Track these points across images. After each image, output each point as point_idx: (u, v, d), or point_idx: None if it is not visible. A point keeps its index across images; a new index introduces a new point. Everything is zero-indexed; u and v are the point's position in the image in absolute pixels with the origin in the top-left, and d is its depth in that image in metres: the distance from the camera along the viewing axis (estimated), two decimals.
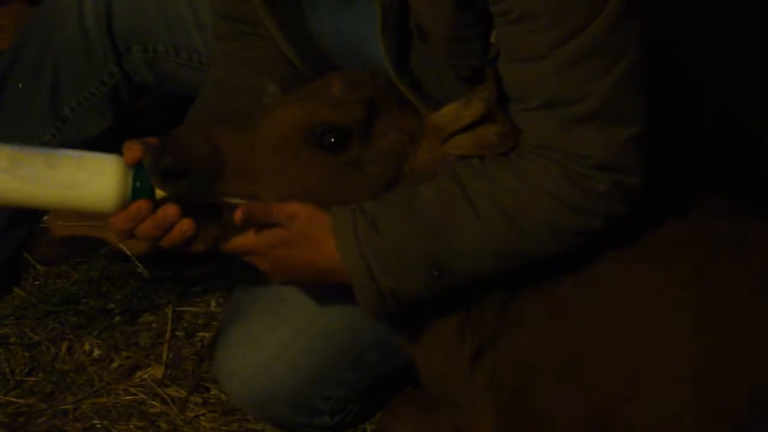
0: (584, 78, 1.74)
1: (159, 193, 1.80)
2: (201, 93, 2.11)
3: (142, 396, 2.35)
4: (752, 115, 2.26)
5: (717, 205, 1.95)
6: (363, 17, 1.90)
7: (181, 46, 2.38)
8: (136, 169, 1.80)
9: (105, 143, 1.93)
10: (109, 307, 2.51)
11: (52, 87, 2.39)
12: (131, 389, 2.37)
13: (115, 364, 2.42)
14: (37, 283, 2.57)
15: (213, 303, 2.56)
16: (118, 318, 2.50)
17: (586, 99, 1.74)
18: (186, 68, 2.39)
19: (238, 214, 1.78)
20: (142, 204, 1.79)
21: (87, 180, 1.79)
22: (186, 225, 1.80)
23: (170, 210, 1.79)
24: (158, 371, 2.41)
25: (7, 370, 2.39)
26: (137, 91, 2.44)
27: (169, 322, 2.50)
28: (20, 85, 2.40)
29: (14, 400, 2.33)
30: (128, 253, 2.56)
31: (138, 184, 1.80)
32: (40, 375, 2.39)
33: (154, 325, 2.51)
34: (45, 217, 2.58)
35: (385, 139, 1.85)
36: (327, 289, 1.96)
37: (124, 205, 1.80)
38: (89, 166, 1.80)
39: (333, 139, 1.82)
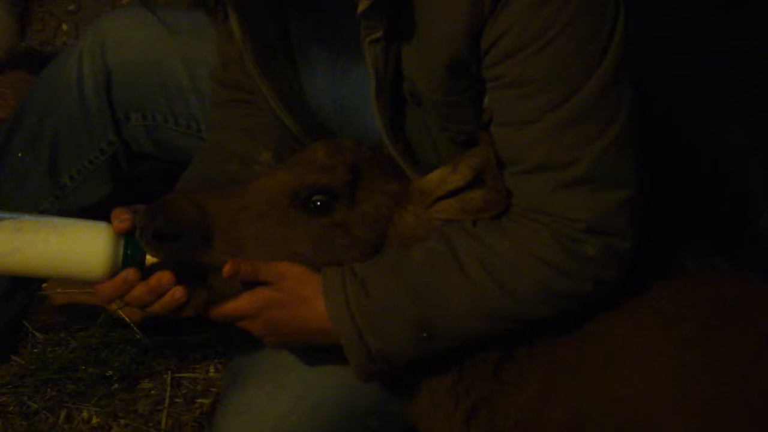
0: (575, 142, 1.75)
1: (149, 259, 1.81)
2: (195, 157, 2.13)
3: None
4: (746, 178, 2.27)
5: (717, 265, 1.95)
6: (358, 85, 1.92)
7: (180, 113, 2.39)
8: (127, 237, 1.81)
9: (104, 211, 1.93)
10: (107, 374, 2.50)
11: (52, 155, 2.41)
12: None
13: None
14: (35, 350, 2.56)
15: (212, 369, 2.55)
16: (116, 385, 2.49)
17: (577, 163, 1.75)
18: (184, 136, 2.40)
19: (226, 268, 1.80)
20: (130, 273, 1.80)
21: (78, 248, 1.80)
22: (179, 293, 1.81)
23: (165, 277, 1.80)
24: None
25: None
26: (135, 159, 2.45)
27: (168, 388, 2.49)
28: (20, 154, 2.42)
29: None
30: (127, 320, 2.55)
31: (129, 251, 1.81)
32: None
33: (152, 391, 2.50)
34: (44, 285, 2.58)
35: (370, 202, 1.88)
36: (321, 352, 1.95)
37: (115, 272, 1.81)
38: (80, 235, 1.81)
39: (319, 202, 1.85)
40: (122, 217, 1.82)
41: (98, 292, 1.83)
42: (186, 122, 2.40)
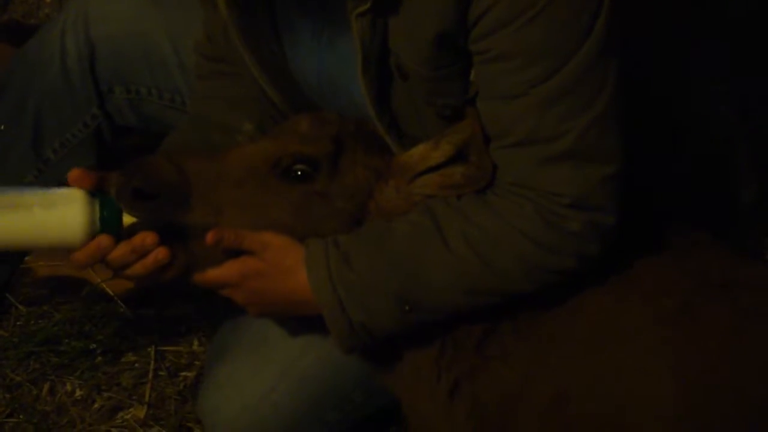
0: (560, 117, 1.75)
1: (127, 220, 1.80)
2: (178, 127, 2.13)
3: None
4: (731, 152, 2.28)
5: (701, 241, 1.95)
6: (344, 58, 1.91)
7: (164, 87, 2.39)
8: (102, 199, 1.81)
9: None
10: (91, 347, 2.50)
11: (35, 128, 2.40)
12: (113, 430, 2.36)
13: (97, 405, 2.41)
14: (19, 323, 2.56)
15: (196, 342, 2.55)
16: (100, 358, 2.49)
17: (562, 137, 1.76)
18: (168, 109, 2.40)
19: (209, 236, 1.80)
20: (103, 239, 1.80)
21: (54, 217, 1.78)
22: (162, 253, 1.80)
23: (149, 238, 1.80)
24: (141, 412, 2.40)
25: None
26: (119, 132, 2.44)
27: (152, 362, 2.49)
28: (2, 127, 2.41)
29: None
30: (110, 292, 2.55)
31: (105, 213, 1.80)
32: (21, 416, 2.37)
33: (136, 365, 2.50)
34: (27, 257, 2.58)
35: (351, 175, 1.88)
36: (304, 322, 1.96)
37: (93, 236, 1.80)
38: (55, 203, 1.79)
39: (300, 172, 1.85)
40: (82, 171, 1.81)
41: (73, 260, 1.83)
42: (170, 96, 2.39)
